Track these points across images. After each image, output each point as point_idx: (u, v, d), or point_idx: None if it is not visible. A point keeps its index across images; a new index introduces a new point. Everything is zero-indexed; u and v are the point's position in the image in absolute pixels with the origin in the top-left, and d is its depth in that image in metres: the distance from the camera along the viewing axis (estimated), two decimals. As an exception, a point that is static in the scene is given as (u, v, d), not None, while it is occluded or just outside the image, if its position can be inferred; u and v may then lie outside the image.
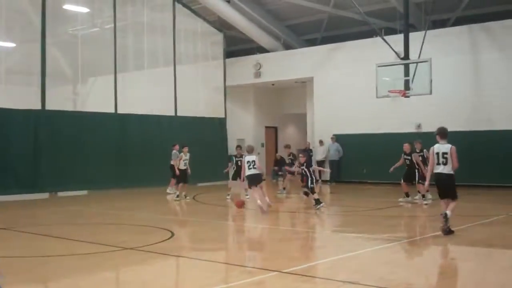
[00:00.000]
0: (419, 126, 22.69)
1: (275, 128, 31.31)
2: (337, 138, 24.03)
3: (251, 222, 14.47)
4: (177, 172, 18.00)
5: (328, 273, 8.14)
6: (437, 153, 10.77)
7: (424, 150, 16.62)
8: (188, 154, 18.20)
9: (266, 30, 26.92)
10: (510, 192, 19.06)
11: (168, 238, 10.77)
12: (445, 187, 10.71)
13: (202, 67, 25.63)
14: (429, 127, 22.16)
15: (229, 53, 27.71)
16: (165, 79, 23.87)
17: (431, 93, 18.76)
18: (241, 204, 15.57)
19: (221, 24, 26.78)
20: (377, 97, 19.88)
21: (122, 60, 22.25)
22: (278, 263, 8.54)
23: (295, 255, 9.45)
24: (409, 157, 16.21)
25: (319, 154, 24.85)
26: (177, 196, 17.96)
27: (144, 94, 22.67)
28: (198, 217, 14.68)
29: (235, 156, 18.09)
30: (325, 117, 25.35)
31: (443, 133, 10.98)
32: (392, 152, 22.76)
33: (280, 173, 26.64)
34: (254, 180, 15.01)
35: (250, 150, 15.66)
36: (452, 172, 10.69)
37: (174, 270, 8.72)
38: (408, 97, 19.68)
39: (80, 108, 21.98)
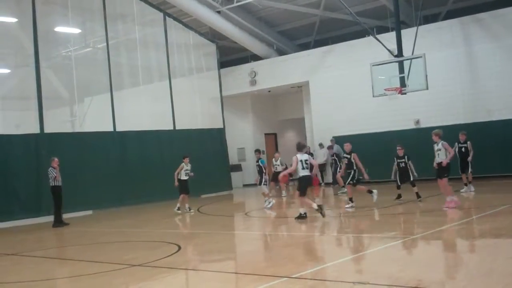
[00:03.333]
0: (417, 122, 22.71)
1: (275, 135, 31.32)
2: (337, 140, 23.99)
3: (257, 230, 14.45)
4: (176, 182, 17.81)
5: (338, 275, 8.12)
6: None
7: (468, 142, 16.90)
8: (189, 164, 18.08)
9: (258, 38, 26.98)
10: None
11: (175, 252, 10.74)
12: None
13: (197, 79, 25.66)
14: (428, 122, 22.28)
15: (223, 63, 27.78)
16: (161, 93, 23.91)
17: (427, 88, 18.80)
18: (285, 179, 14.99)
19: (213, 35, 26.85)
20: (373, 96, 19.92)
21: (117, 77, 22.27)
22: (287, 268, 8.52)
23: (303, 259, 9.43)
24: (349, 156, 15.64)
25: (319, 157, 24.83)
26: (178, 208, 17.82)
27: (142, 110, 22.69)
28: (203, 229, 14.65)
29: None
30: (323, 120, 25.37)
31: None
32: (393, 150, 22.86)
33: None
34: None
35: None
36: None
37: (184, 283, 8.69)
38: (405, 94, 19.70)
39: (78, 128, 22.01)
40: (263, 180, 17.78)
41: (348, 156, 15.70)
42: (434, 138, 13.79)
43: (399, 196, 16.01)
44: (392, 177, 16.22)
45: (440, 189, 14.18)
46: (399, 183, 16.09)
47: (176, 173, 17.86)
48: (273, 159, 21.29)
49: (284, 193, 21.50)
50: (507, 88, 20.57)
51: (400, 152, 16.00)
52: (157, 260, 9.85)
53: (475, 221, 12.17)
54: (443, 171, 13.58)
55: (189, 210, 17.92)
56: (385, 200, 16.85)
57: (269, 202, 17.38)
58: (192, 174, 18.05)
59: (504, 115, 20.51)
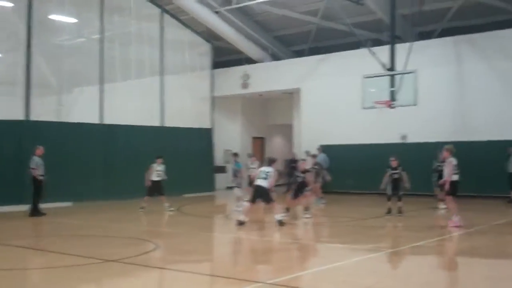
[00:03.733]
0: (404, 137, 22.77)
1: (262, 139, 31.30)
2: (324, 148, 24.00)
3: (236, 233, 14.39)
4: (149, 182, 17.53)
5: (313, 284, 8.10)
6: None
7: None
8: (162, 166, 17.75)
9: (254, 41, 26.97)
10: (491, 202, 19.15)
11: (152, 250, 10.69)
12: None
13: (189, 78, 25.57)
14: (414, 137, 22.38)
15: (217, 64, 27.72)
16: (152, 89, 23.80)
17: (416, 104, 18.85)
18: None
19: (209, 35, 26.80)
20: (363, 108, 19.95)
21: (108, 70, 22.14)
22: (262, 274, 8.50)
23: (280, 266, 9.40)
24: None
25: (308, 164, 24.77)
26: (142, 208, 17.38)
27: (131, 104, 22.55)
28: (183, 228, 14.57)
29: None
30: (312, 127, 25.37)
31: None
32: (378, 163, 22.86)
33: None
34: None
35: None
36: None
37: (157, 282, 8.63)
38: (394, 108, 19.74)
39: (65, 118, 21.82)
40: (238, 183, 17.71)
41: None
42: (445, 154, 13.63)
43: (389, 211, 15.69)
44: (383, 186, 15.90)
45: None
46: (389, 193, 15.79)
47: (147, 174, 17.60)
48: (249, 162, 21.21)
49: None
50: (494, 109, 20.69)
51: (394, 163, 15.83)
52: (133, 257, 9.78)
53: (452, 238, 12.21)
54: (450, 188, 13.24)
55: (169, 208, 17.58)
56: (370, 211, 16.89)
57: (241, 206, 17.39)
58: (165, 177, 17.73)
59: (490, 137, 20.61)
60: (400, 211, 15.58)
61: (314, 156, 21.23)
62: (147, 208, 17.32)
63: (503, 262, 9.82)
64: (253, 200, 14.01)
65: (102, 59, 21.87)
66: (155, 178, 17.58)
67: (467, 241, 11.94)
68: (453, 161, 13.27)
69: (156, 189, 17.61)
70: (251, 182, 20.18)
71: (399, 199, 15.73)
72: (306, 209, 15.54)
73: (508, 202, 18.62)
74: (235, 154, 18.71)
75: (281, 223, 13.87)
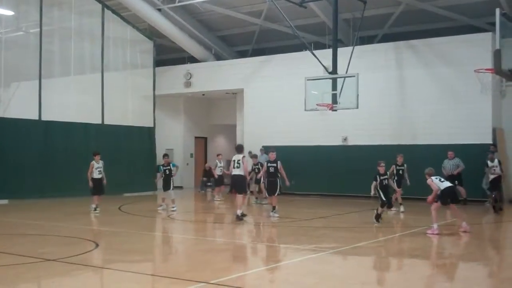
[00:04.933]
0: (345, 139, 23.19)
1: (205, 139, 31.21)
2: (266, 149, 24.17)
3: (179, 233, 14.34)
4: (90, 183, 16.93)
5: (256, 283, 8.16)
6: None
7: (405, 164, 17.37)
8: (100, 162, 17.20)
9: (197, 40, 26.87)
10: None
11: (93, 249, 10.50)
12: None
13: (131, 75, 25.23)
14: (355, 140, 22.84)
15: (159, 62, 27.46)
16: (92, 86, 23.37)
17: (357, 107, 19.20)
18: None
19: (151, 32, 26.51)
20: (305, 110, 20.18)
21: (47, 65, 21.69)
22: (205, 274, 8.48)
23: (223, 266, 9.41)
24: (275, 165, 15.87)
25: (249, 165, 24.87)
26: (95, 208, 16.89)
27: (70, 101, 22.13)
28: (124, 228, 14.38)
29: (163, 165, 17.82)
30: (255, 128, 25.49)
31: None
32: (320, 164, 23.30)
33: (209, 183, 26.59)
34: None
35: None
36: None
37: (99, 282, 8.50)
38: (335, 110, 20.06)
39: (1, 114, 21.18)
40: (172, 185, 17.53)
41: (274, 165, 15.86)
42: (426, 176, 13.62)
43: (378, 216, 14.55)
44: (373, 192, 14.72)
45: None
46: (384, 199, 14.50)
47: (89, 173, 16.98)
48: (217, 160, 21.15)
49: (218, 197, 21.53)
50: (433, 114, 21.31)
51: (382, 170, 14.78)
52: (73, 256, 9.59)
53: (393, 239, 12.53)
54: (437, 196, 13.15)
55: (95, 209, 16.94)
56: (312, 212, 17.09)
57: (162, 207, 17.46)
58: (105, 182, 17.16)
59: (428, 140, 21.22)
60: (378, 218, 14.57)
61: (254, 156, 21.33)
62: (90, 207, 16.95)
63: (440, 263, 10.14)
64: (231, 190, 15.21)
65: (41, 53, 21.36)
66: (96, 176, 17.10)
67: (407, 242, 12.27)
68: (434, 180, 13.26)
69: (96, 188, 17.08)
70: (219, 180, 20.15)
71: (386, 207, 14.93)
72: (274, 208, 15.83)
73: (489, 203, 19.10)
74: (166, 155, 18.40)
75: (239, 218, 14.64)
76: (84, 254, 9.97)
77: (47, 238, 12.23)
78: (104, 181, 17.20)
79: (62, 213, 17.12)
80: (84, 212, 16.94)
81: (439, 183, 13.10)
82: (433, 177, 13.29)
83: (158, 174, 18.24)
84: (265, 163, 16.51)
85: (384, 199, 14.36)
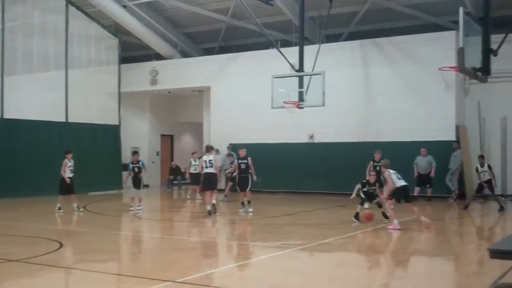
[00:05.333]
0: (312, 136, 23.29)
1: (171, 137, 31.01)
2: (233, 147, 24.13)
3: (145, 232, 14.21)
4: (67, 181, 16.62)
5: (222, 281, 8.12)
6: None
7: (382, 160, 17.14)
8: (72, 161, 16.92)
9: (163, 37, 26.66)
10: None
11: (57, 249, 10.32)
12: None
13: (96, 72, 24.91)
14: (322, 138, 22.95)
15: (125, 59, 27.16)
16: (56, 83, 23.01)
17: (324, 105, 19.30)
18: (370, 217, 13.90)
19: (116, 29, 26.21)
20: (272, 107, 20.20)
21: (9, 62, 21.31)
22: (172, 273, 8.42)
23: (190, 264, 9.35)
24: (246, 161, 16.35)
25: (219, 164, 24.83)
26: (59, 208, 16.55)
27: (34, 99, 21.75)
28: (88, 227, 14.19)
29: (132, 163, 17.53)
30: (222, 126, 25.42)
31: None
32: (287, 162, 23.35)
33: (175, 182, 26.42)
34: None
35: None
36: None
37: (64, 282, 8.36)
38: (302, 108, 20.14)
39: (-38, 111, 20.75)
40: (142, 184, 17.31)
41: (245, 161, 16.27)
42: (383, 168, 13.76)
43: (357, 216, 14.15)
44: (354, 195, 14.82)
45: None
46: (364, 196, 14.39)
47: (62, 171, 16.68)
48: (191, 159, 20.94)
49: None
50: (398, 111, 21.55)
51: (372, 179, 14.53)
52: (36, 257, 9.41)
53: (360, 236, 12.62)
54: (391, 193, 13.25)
55: (78, 209, 16.88)
56: (279, 209, 17.11)
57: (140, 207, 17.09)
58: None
59: (394, 137, 21.44)
60: (356, 216, 14.16)
61: (230, 155, 21.26)
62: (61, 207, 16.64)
63: (405, 258, 10.25)
64: (204, 188, 15.85)
65: (3, 50, 20.97)
66: (69, 174, 16.74)
67: (373, 238, 12.38)
68: (392, 176, 13.35)
69: (66, 187, 16.73)
70: (196, 179, 19.94)
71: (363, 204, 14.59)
72: (249, 202, 16.25)
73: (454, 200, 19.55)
74: (135, 153, 18.18)
75: (210, 212, 15.27)
76: (48, 254, 9.79)
77: (9, 238, 11.97)
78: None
79: (25, 213, 16.80)
80: (48, 212, 16.64)
81: (396, 180, 13.21)
82: (391, 171, 13.37)
83: (126, 172, 17.89)
84: (235, 160, 16.82)
85: (363, 197, 14.30)
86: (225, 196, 20.06)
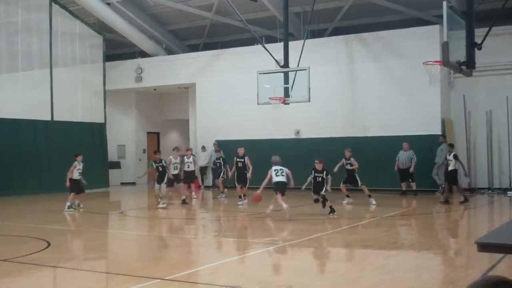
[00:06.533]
0: (298, 132, 23.35)
1: (157, 134, 30.94)
2: (220, 144, 24.15)
3: (132, 230, 14.19)
4: (68, 183, 16.55)
5: (211, 278, 8.15)
6: None
7: (352, 158, 17.48)
8: (81, 164, 16.97)
9: (147, 35, 26.57)
10: (382, 196, 19.99)
11: (45, 248, 10.28)
12: None
13: (81, 71, 24.78)
14: (308, 133, 23.02)
15: (110, 57, 27.03)
16: (40, 82, 22.85)
17: (309, 100, 19.34)
18: (258, 198, 14.88)
19: (100, 27, 26.07)
20: (258, 103, 20.21)
21: (-6, 61, 21.13)
22: (160, 270, 8.43)
23: (177, 261, 9.37)
24: (243, 160, 17.87)
25: (201, 160, 24.83)
26: (69, 207, 16.48)
27: (18, 98, 21.60)
28: (76, 225, 14.16)
29: (155, 162, 17.55)
30: (208, 123, 25.41)
31: None
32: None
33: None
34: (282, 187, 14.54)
35: (277, 162, 14.86)
36: None
37: (52, 281, 8.34)
38: (288, 104, 20.17)
39: None
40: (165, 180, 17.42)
41: (243, 160, 17.66)
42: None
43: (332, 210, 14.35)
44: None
45: None
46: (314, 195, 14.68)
47: (69, 173, 16.63)
48: (185, 156, 20.85)
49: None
50: (383, 106, 21.66)
51: (319, 166, 14.77)
52: (24, 256, 9.38)
53: (347, 231, 12.70)
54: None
55: (79, 206, 16.88)
56: (266, 205, 17.15)
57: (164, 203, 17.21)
58: (84, 181, 17.01)
59: (379, 132, 21.56)
60: (332, 210, 14.34)
61: (218, 151, 21.22)
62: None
63: (392, 253, 10.33)
64: (186, 182, 18.29)
65: (-14, 49, 20.81)
66: (76, 177, 16.72)
67: (360, 233, 12.46)
68: (272, 172, 14.23)
69: (76, 187, 16.71)
70: (192, 177, 20.01)
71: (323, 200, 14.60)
72: (244, 196, 17.56)
73: (414, 195, 19.73)
74: (157, 151, 18.76)
75: (184, 201, 17.39)
76: (36, 253, 9.75)
77: (-4, 238, 11.92)
78: (83, 181, 17.02)
79: (10, 212, 16.72)
80: (34, 211, 16.56)
81: (274, 176, 14.12)
82: (273, 167, 14.22)
83: (148, 170, 18.11)
84: (234, 158, 18.09)
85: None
86: (222, 192, 20.11)
